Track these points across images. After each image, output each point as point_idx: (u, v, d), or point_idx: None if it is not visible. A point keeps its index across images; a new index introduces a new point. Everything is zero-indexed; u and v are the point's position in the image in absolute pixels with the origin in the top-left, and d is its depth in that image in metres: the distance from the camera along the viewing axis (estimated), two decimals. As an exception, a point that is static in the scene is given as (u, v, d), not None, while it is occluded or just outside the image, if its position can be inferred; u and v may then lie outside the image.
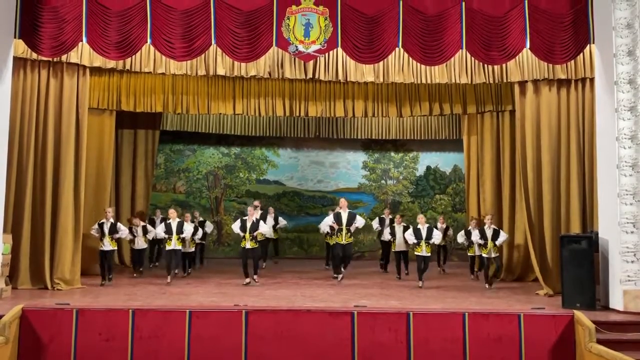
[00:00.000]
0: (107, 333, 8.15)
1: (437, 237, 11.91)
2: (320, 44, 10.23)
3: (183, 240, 11.99)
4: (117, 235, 11.58)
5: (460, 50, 10.39)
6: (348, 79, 11.78)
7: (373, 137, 17.24)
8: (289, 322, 8.32)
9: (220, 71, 11.48)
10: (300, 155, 17.89)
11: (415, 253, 11.79)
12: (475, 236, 11.81)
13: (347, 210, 11.88)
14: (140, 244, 12.68)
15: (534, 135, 11.28)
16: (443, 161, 18.00)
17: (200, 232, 13.21)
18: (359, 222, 11.89)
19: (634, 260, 9.00)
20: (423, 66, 11.32)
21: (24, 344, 8.07)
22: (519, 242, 12.50)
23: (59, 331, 8.13)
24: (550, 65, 10.93)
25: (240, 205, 17.04)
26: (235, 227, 11.76)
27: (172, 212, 12.04)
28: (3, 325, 7.72)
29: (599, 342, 7.83)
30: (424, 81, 11.79)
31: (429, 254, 11.79)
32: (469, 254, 13.02)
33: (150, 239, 12.96)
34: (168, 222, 11.83)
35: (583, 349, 7.94)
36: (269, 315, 8.39)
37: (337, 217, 11.84)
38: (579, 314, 8.31)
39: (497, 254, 11.65)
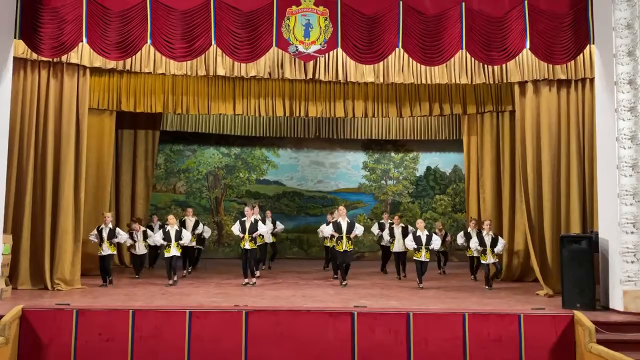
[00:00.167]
0: (107, 333, 8.15)
1: (436, 243, 11.86)
2: (320, 44, 10.23)
3: (183, 247, 11.94)
4: (116, 240, 11.54)
5: (460, 50, 10.40)
6: (348, 80, 11.78)
7: (373, 138, 17.26)
8: (289, 322, 8.32)
9: (220, 71, 11.48)
10: (300, 156, 17.90)
11: (414, 258, 11.71)
12: (474, 243, 11.77)
13: (347, 219, 11.82)
14: (141, 249, 12.61)
15: (534, 136, 11.28)
16: (443, 161, 18.01)
17: (200, 227, 13.19)
18: (358, 230, 11.80)
19: (634, 261, 8.99)
20: (423, 66, 11.32)
21: (24, 344, 8.07)
22: (518, 243, 12.52)
23: (59, 331, 8.13)
24: (550, 66, 10.93)
25: (240, 205, 17.04)
26: (235, 229, 11.77)
27: (171, 219, 11.90)
28: (3, 325, 7.71)
29: (599, 342, 7.83)
30: (424, 81, 11.78)
31: (428, 259, 11.72)
32: (468, 255, 13.01)
33: (151, 244, 12.89)
34: (167, 229, 11.65)
35: (583, 349, 7.94)
36: (269, 315, 8.39)
37: (337, 226, 11.77)
38: (579, 315, 8.31)
39: (497, 259, 11.63)
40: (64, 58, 10.71)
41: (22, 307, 8.23)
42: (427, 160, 18.02)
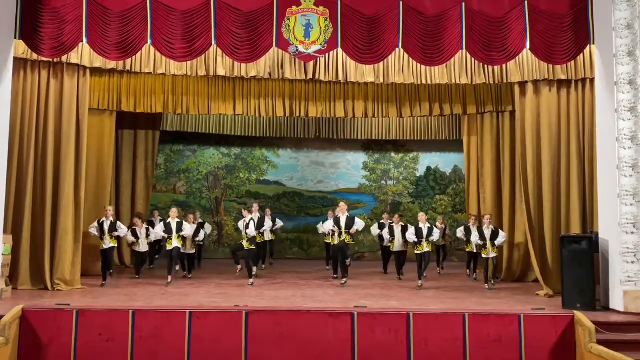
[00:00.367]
0: (107, 333, 8.15)
1: (437, 235, 12.01)
2: (321, 44, 10.23)
3: (184, 239, 11.96)
4: (116, 234, 11.63)
5: (461, 50, 10.40)
6: (348, 80, 11.78)
7: (373, 138, 17.26)
8: (289, 322, 8.32)
9: (221, 72, 11.47)
10: (300, 156, 17.89)
11: (415, 252, 11.80)
12: (475, 237, 11.82)
13: (347, 214, 11.85)
14: (143, 246, 12.63)
15: (534, 136, 11.28)
16: (443, 162, 18.00)
17: (201, 234, 13.22)
18: (358, 225, 11.81)
19: (634, 261, 8.99)
20: (423, 67, 11.32)
21: (24, 344, 8.07)
22: (519, 243, 12.52)
23: (59, 332, 8.13)
24: (550, 66, 10.93)
25: (240, 205, 17.02)
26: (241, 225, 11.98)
27: (173, 212, 12.02)
28: (3, 325, 7.72)
29: (599, 342, 7.84)
30: (424, 82, 11.78)
31: (430, 250, 11.87)
32: (466, 250, 13.06)
33: (152, 240, 12.92)
34: (167, 221, 11.81)
35: (583, 349, 7.94)
36: (269, 315, 8.39)
37: (336, 221, 11.85)
38: (579, 315, 8.31)
39: (496, 254, 11.65)
40: (64, 58, 10.72)
41: (22, 307, 8.23)
42: (427, 160, 18.02)
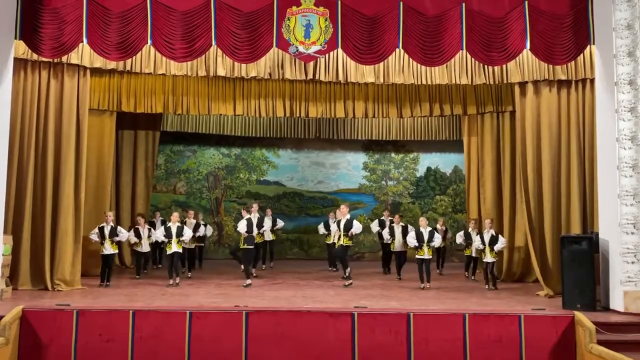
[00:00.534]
0: (108, 334, 8.15)
1: (438, 240, 11.91)
2: (321, 44, 10.23)
3: (183, 244, 11.96)
4: (117, 239, 11.59)
5: (461, 51, 10.40)
6: (348, 80, 11.78)
7: (373, 138, 17.26)
8: (289, 322, 8.32)
9: (221, 72, 11.48)
10: (300, 156, 17.90)
11: (417, 256, 11.73)
12: (477, 242, 11.80)
13: (346, 217, 11.90)
14: (145, 246, 12.61)
15: (534, 136, 11.28)
16: (443, 162, 18.00)
17: (201, 229, 13.24)
18: (355, 228, 11.77)
19: (634, 261, 8.99)
20: (423, 67, 11.32)
21: (24, 344, 8.07)
22: (519, 243, 12.51)
23: (59, 332, 8.13)
24: (551, 66, 10.93)
25: (240, 206, 17.02)
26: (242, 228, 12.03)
27: (174, 216, 11.96)
28: (3, 326, 7.72)
29: (600, 343, 7.83)
30: (424, 82, 11.78)
31: (430, 257, 11.79)
32: (465, 254, 13.08)
33: (153, 241, 12.91)
34: (168, 226, 11.73)
35: (583, 350, 7.94)
36: (269, 316, 8.39)
37: (337, 224, 12.02)
38: (579, 315, 8.30)
39: (496, 258, 11.63)
40: (64, 59, 10.72)
41: (23, 307, 8.23)
42: (427, 160, 18.02)
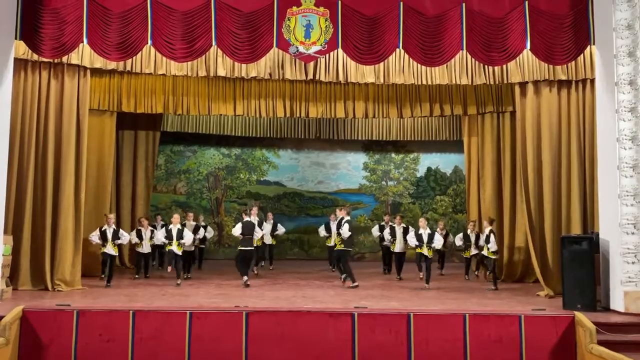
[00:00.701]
0: (108, 334, 8.14)
1: (438, 242, 11.91)
2: (321, 45, 10.23)
3: (183, 246, 11.99)
4: (119, 242, 11.62)
5: (461, 51, 10.39)
6: (348, 80, 11.78)
7: (373, 138, 17.27)
8: (289, 323, 8.31)
9: (221, 72, 11.47)
10: (300, 156, 17.90)
11: (417, 251, 11.84)
12: (494, 244, 11.81)
13: (339, 218, 12.04)
14: (146, 247, 12.62)
15: (534, 136, 11.27)
16: (444, 162, 18.00)
17: (201, 232, 13.28)
18: (343, 231, 11.73)
19: (634, 262, 8.98)
20: (423, 67, 11.32)
21: (24, 345, 8.07)
22: (519, 243, 12.51)
23: (59, 332, 8.12)
24: (551, 66, 10.92)
25: (240, 206, 17.04)
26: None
27: (175, 218, 12.05)
28: (3, 326, 7.71)
29: (600, 343, 7.83)
30: (424, 82, 11.78)
31: (431, 256, 11.81)
32: (464, 256, 13.09)
33: (155, 243, 12.92)
34: (169, 228, 11.79)
35: (584, 350, 7.93)
36: (269, 316, 8.38)
37: (337, 225, 12.13)
38: (579, 315, 8.30)
39: (496, 257, 11.66)
40: (64, 59, 10.72)
41: (23, 307, 8.22)
42: (427, 161, 18.02)
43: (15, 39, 9.89)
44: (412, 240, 11.94)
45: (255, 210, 12.57)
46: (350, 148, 17.86)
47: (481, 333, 8.24)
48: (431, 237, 11.74)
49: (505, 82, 11.65)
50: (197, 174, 17.48)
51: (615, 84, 9.34)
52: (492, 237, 11.69)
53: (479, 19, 10.21)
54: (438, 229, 13.85)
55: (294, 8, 10.20)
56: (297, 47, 10.18)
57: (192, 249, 13.03)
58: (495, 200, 13.30)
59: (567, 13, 10.13)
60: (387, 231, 13.46)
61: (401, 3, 10.20)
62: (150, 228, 12.79)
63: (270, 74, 11.49)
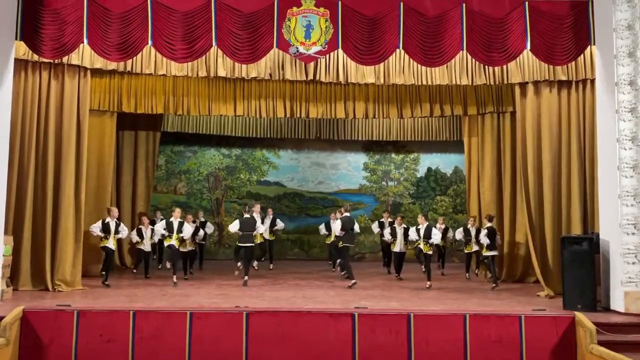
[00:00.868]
0: (108, 334, 8.14)
1: (436, 237, 11.94)
2: (321, 45, 10.23)
3: (182, 240, 12.00)
4: (119, 236, 11.70)
5: (461, 51, 10.39)
6: (349, 81, 11.78)
7: (374, 139, 17.27)
8: (289, 323, 8.31)
9: (221, 73, 11.48)
10: (300, 157, 17.90)
11: (416, 245, 12.01)
12: (486, 238, 11.87)
13: (343, 215, 12.23)
14: (147, 245, 12.65)
15: (534, 137, 11.28)
16: (444, 162, 18.00)
17: (201, 233, 13.30)
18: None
19: (634, 262, 8.98)
20: (424, 67, 11.32)
21: (24, 345, 8.07)
22: (519, 244, 12.52)
23: (59, 332, 8.12)
24: (551, 67, 10.92)
25: (241, 206, 17.04)
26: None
27: (176, 212, 12.11)
28: (4, 326, 7.71)
29: (600, 343, 7.82)
30: (424, 82, 11.78)
31: (429, 252, 11.86)
32: (465, 252, 13.10)
33: (156, 241, 12.95)
34: (170, 220, 11.88)
35: (584, 350, 7.93)
36: (269, 316, 8.38)
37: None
38: (580, 316, 8.30)
39: (492, 253, 11.72)
40: (64, 59, 10.72)
41: (23, 308, 8.22)
42: (427, 161, 18.02)
43: (16, 39, 9.89)
44: (413, 234, 12.05)
45: (257, 207, 12.63)
46: (350, 148, 17.86)
47: (481, 333, 8.24)
48: (428, 231, 11.74)
49: (506, 82, 11.65)
50: (198, 174, 17.49)
51: (615, 85, 9.35)
52: (483, 232, 11.84)
53: (479, 19, 10.22)
54: (437, 224, 13.88)
55: (294, 8, 10.20)
56: (297, 48, 10.18)
57: (192, 248, 13.04)
58: (495, 200, 13.30)
59: (568, 13, 10.13)
60: (387, 230, 13.48)
61: (401, 3, 10.20)
62: (150, 227, 12.81)
63: (270, 75, 11.49)
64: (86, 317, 8.22)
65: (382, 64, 11.16)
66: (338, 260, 12.62)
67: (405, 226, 13.24)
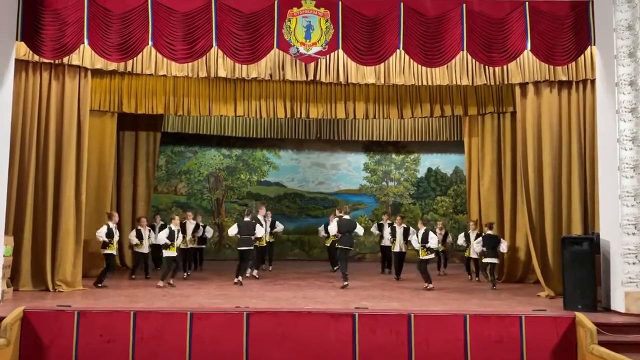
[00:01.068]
0: (108, 335, 8.14)
1: (432, 242, 11.75)
2: (322, 45, 10.23)
3: (184, 249, 12.05)
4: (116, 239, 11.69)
5: (461, 51, 10.39)
6: (349, 81, 11.79)
7: (374, 139, 17.27)
8: (290, 323, 8.31)
9: (222, 73, 11.49)
10: (301, 157, 17.91)
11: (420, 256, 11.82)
12: (478, 245, 11.89)
13: (341, 217, 12.28)
14: (145, 247, 12.64)
15: (535, 137, 11.28)
16: (444, 163, 18.01)
17: (201, 230, 13.30)
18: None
19: (635, 262, 8.98)
20: (424, 68, 11.33)
21: (25, 345, 8.07)
22: (520, 244, 12.52)
23: (60, 333, 8.12)
24: (551, 67, 10.93)
25: (241, 207, 17.05)
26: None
27: (176, 220, 12.08)
28: (4, 327, 7.71)
29: (601, 343, 7.82)
30: (424, 83, 11.79)
31: (425, 257, 11.67)
32: (465, 256, 13.09)
33: (153, 243, 12.93)
34: (172, 229, 11.70)
35: (584, 350, 7.93)
36: (270, 316, 8.38)
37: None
38: (580, 316, 8.29)
39: (496, 261, 11.75)
40: (65, 60, 10.73)
41: (24, 308, 8.23)
42: (428, 161, 18.03)
43: (16, 40, 9.89)
44: (414, 242, 11.95)
45: (263, 210, 12.67)
46: (350, 149, 17.86)
47: (482, 333, 8.24)
48: (425, 236, 11.67)
49: (506, 82, 11.65)
50: (198, 175, 17.49)
51: (615, 85, 9.35)
52: (476, 240, 12.00)
53: (480, 19, 10.22)
54: (437, 229, 13.86)
55: (295, 9, 10.21)
56: (297, 48, 10.18)
57: (193, 245, 13.03)
58: (495, 200, 13.30)
59: (568, 14, 10.13)
60: (387, 230, 13.48)
61: (402, 4, 10.20)
62: (148, 228, 12.81)
63: (270, 75, 11.50)
64: (87, 318, 8.22)
65: (382, 65, 11.16)
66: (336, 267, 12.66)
67: (405, 226, 13.23)
